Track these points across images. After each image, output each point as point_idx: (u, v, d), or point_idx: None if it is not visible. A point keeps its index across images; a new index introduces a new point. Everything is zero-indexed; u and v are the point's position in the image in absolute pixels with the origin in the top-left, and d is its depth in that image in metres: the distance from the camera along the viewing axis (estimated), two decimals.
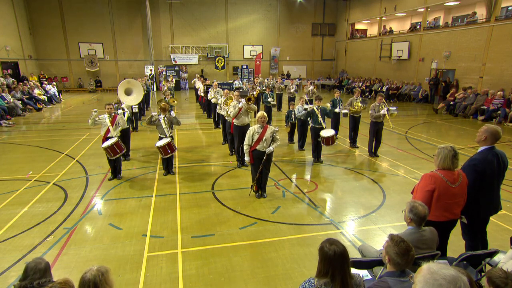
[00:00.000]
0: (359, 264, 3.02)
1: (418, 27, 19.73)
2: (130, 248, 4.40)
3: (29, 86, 17.22)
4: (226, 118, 8.18)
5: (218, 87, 11.85)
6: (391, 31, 22.31)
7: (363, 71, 24.47)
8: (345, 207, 5.72)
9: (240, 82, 18.46)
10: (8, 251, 4.34)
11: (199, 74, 23.04)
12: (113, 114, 6.76)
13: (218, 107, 9.31)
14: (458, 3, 17.66)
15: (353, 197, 6.10)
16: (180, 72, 25.49)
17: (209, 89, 12.13)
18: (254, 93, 14.43)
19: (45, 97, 17.89)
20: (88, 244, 4.53)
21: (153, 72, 24.27)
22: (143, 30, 24.73)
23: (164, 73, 24.95)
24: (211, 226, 4.99)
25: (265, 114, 5.66)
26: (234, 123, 7.37)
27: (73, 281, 2.09)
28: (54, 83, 20.77)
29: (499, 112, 12.93)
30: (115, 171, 6.88)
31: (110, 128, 6.59)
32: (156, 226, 4.98)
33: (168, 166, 7.17)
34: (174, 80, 19.35)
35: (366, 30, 26.53)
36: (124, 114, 7.69)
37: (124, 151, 6.69)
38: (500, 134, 3.45)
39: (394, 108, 8.42)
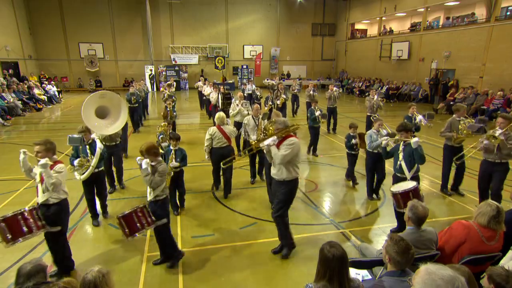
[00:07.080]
0: (359, 264, 3.03)
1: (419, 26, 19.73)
2: (130, 248, 4.40)
3: (27, 86, 17.18)
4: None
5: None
6: (391, 31, 22.31)
7: (363, 71, 24.46)
8: (345, 207, 5.72)
9: (254, 86, 13.75)
10: (8, 251, 4.32)
11: (200, 74, 22.95)
12: (49, 164, 3.60)
13: (244, 133, 6.17)
14: (458, 3, 17.66)
15: (353, 197, 6.10)
16: (180, 72, 25.49)
17: (230, 98, 9.01)
18: (278, 102, 11.09)
19: (45, 97, 17.91)
20: (88, 244, 4.53)
21: (153, 72, 24.27)
22: (143, 30, 24.71)
23: (164, 73, 24.94)
24: (211, 226, 4.99)
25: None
26: None
27: (76, 281, 2.10)
28: (52, 82, 20.78)
29: (499, 112, 12.92)
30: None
31: (39, 187, 3.65)
32: None
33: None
34: (174, 83, 17.03)
35: (366, 30, 26.51)
36: (95, 146, 4.93)
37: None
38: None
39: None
